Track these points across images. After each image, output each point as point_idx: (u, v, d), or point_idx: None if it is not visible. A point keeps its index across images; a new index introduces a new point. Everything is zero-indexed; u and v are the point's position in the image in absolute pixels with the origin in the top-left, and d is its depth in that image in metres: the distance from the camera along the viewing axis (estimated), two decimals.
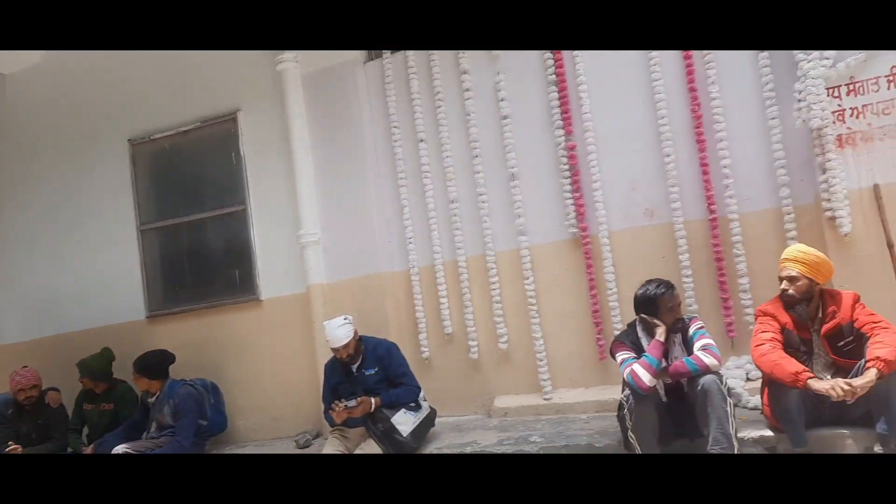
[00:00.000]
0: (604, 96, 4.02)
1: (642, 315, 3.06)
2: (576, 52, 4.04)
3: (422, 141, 4.48)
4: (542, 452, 3.32)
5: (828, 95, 3.33)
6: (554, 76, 4.12)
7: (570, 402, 3.91)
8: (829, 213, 3.33)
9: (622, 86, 3.98)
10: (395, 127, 4.56)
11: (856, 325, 2.77)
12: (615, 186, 4.01)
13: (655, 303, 3.00)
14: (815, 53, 3.32)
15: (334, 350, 3.68)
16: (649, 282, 3.07)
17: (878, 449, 2.67)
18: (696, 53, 3.79)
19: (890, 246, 3.21)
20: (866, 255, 3.28)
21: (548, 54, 4.13)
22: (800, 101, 3.39)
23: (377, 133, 4.64)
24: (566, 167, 4.08)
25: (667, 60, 3.87)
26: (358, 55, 4.67)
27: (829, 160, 3.32)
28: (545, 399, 4.03)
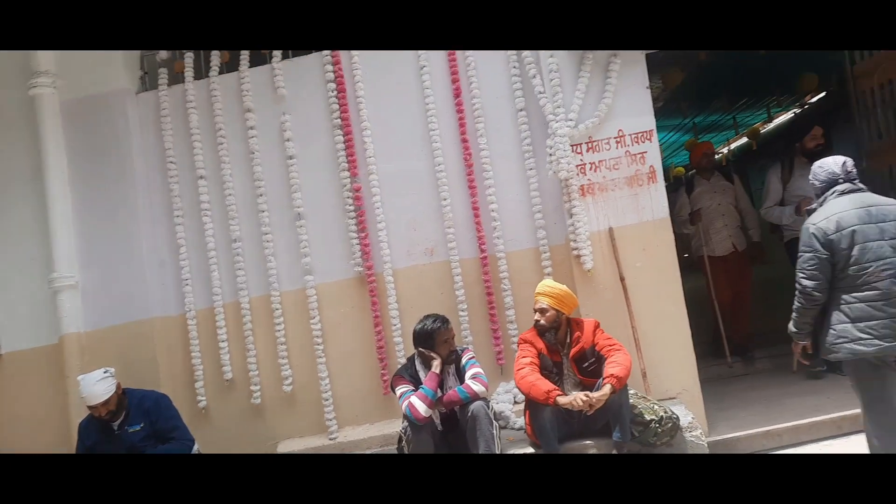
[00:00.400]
0: (386, 142, 4.21)
1: (420, 349, 3.21)
2: (360, 97, 4.20)
3: (202, 178, 4.28)
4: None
5: (572, 151, 3.86)
6: (339, 120, 4.22)
7: (356, 439, 3.91)
8: (575, 252, 3.82)
9: (403, 133, 4.21)
10: (171, 162, 4.30)
11: (596, 348, 3.20)
12: (398, 226, 4.19)
13: (432, 336, 3.18)
14: (562, 115, 3.85)
15: (91, 408, 3.29)
16: (426, 317, 3.24)
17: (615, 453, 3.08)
18: (467, 108, 4.16)
19: (622, 279, 3.78)
20: (604, 287, 3.82)
21: (333, 98, 4.23)
22: (550, 155, 3.88)
23: (150, 168, 4.34)
24: (352, 208, 4.18)
25: (443, 112, 4.18)
26: (128, 84, 4.36)
27: (575, 206, 3.84)
28: (330, 439, 3.98)
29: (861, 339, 2.49)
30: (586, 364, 3.21)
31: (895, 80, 4.51)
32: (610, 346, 3.17)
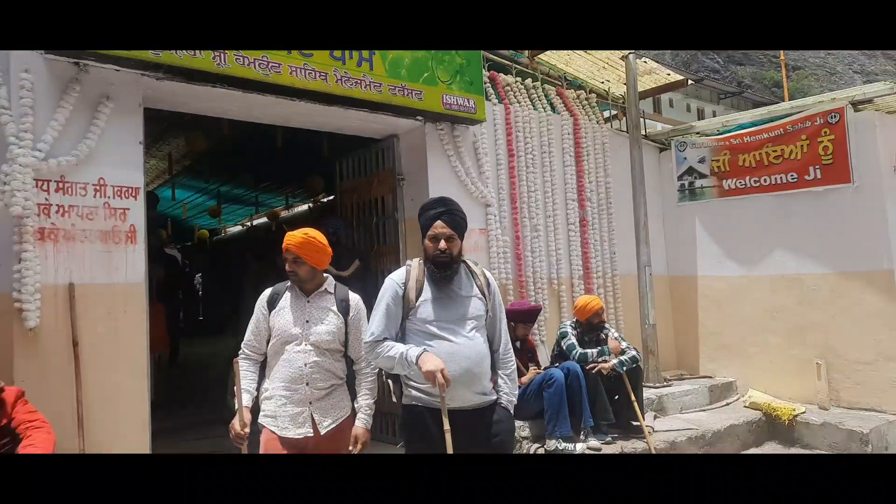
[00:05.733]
0: None
1: None
2: None
3: None
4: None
5: (36, 186, 3.21)
6: None
7: None
8: (17, 305, 3.09)
9: None
10: None
11: (13, 424, 2.57)
12: None
13: None
14: (28, 141, 3.18)
15: None
16: None
17: None
18: None
19: (76, 344, 3.22)
20: (53, 350, 3.19)
21: None
22: (5, 183, 3.14)
23: None
24: None
25: None
26: None
27: (26, 251, 3.15)
28: None
29: None
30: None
31: (363, 203, 5.36)
32: (30, 423, 2.57)
